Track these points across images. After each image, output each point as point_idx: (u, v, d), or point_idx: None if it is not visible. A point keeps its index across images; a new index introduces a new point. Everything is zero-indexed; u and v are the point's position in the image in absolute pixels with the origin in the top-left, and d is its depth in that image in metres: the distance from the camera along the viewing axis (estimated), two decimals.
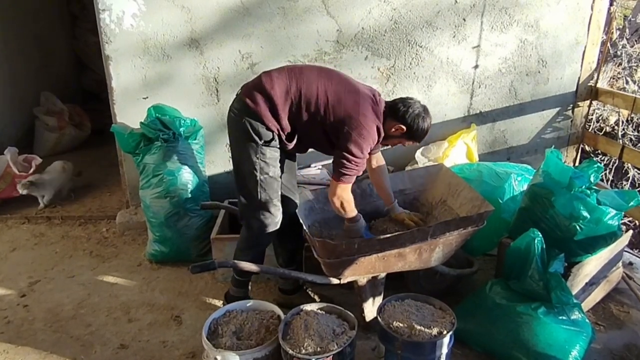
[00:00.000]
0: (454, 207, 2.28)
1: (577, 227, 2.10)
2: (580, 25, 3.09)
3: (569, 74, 3.19)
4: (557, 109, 3.28)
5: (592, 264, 2.26)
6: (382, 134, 2.07)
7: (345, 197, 2.04)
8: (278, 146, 2.07)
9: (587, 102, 3.29)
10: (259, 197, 2.09)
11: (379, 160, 2.29)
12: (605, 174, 4.05)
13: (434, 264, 2.15)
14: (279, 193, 2.14)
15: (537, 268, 2.04)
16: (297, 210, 2.21)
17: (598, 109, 4.11)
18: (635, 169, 4.05)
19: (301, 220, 2.14)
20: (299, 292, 2.43)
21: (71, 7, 5.55)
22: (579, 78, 3.22)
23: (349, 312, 1.96)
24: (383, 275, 2.18)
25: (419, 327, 1.87)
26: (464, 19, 2.99)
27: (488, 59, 3.09)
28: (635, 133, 4.12)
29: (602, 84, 3.44)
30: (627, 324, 2.33)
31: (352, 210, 2.09)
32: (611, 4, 3.26)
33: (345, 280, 2.08)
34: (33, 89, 4.69)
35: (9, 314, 2.42)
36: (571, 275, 2.17)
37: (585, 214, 2.09)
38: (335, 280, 2.08)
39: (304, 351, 1.76)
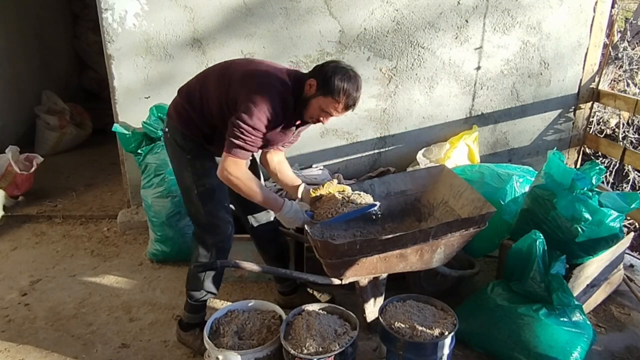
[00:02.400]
0: (456, 208, 2.28)
1: (579, 229, 2.10)
2: (582, 27, 3.10)
3: (570, 76, 3.20)
4: (559, 110, 3.28)
5: (593, 266, 2.26)
6: (291, 105, 1.85)
7: (236, 173, 1.81)
8: (207, 155, 1.96)
9: (589, 104, 3.29)
10: (202, 211, 1.97)
11: (279, 158, 2.15)
12: (606, 176, 4.05)
13: (435, 265, 2.15)
14: (225, 204, 2.03)
15: (539, 269, 2.04)
16: None
17: (599, 111, 4.12)
18: (636, 172, 4.05)
19: None
20: (298, 291, 2.42)
21: (72, 6, 5.55)
22: (581, 80, 3.22)
23: (350, 313, 1.96)
24: (384, 276, 2.18)
25: (420, 328, 1.87)
26: (467, 21, 2.99)
27: (490, 60, 3.09)
28: (636, 135, 4.12)
29: (603, 87, 3.44)
30: (628, 326, 2.33)
31: (252, 190, 1.85)
32: (613, 7, 3.26)
33: (346, 280, 2.08)
34: (34, 87, 4.70)
35: (10, 313, 2.42)
36: (572, 277, 2.17)
37: (587, 215, 2.09)
38: (336, 281, 2.07)
39: (305, 351, 1.76)
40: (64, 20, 5.53)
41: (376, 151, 3.21)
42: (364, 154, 3.21)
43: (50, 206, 3.51)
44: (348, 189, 2.11)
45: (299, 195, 2.12)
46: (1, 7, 4.32)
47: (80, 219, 3.34)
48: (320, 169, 3.06)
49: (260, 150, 2.03)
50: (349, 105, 1.83)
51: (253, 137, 1.78)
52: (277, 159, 2.16)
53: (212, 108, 1.88)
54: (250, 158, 1.98)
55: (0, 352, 2.17)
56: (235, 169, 1.81)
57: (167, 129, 2.00)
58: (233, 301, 2.36)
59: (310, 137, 3.12)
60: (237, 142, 1.77)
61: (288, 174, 2.17)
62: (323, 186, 2.11)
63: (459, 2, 2.94)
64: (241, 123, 1.75)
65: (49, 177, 3.92)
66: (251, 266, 2.03)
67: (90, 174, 4.06)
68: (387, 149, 3.21)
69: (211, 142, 1.95)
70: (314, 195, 2.10)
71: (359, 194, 2.10)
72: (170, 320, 2.36)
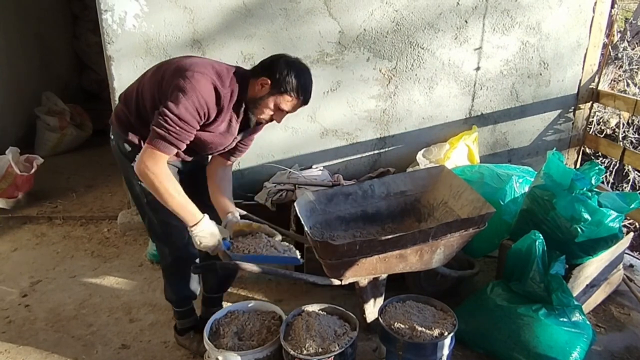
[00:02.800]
0: (455, 208, 2.28)
1: (578, 229, 2.11)
2: (582, 27, 3.10)
3: (570, 76, 3.20)
4: (559, 111, 3.28)
5: (593, 266, 2.26)
6: (229, 98, 1.70)
7: (153, 168, 1.61)
8: None
9: (589, 104, 3.30)
10: (155, 221, 1.89)
11: (224, 174, 1.97)
12: (606, 176, 4.05)
13: (435, 265, 2.15)
14: None
15: (538, 270, 2.05)
16: (298, 211, 2.20)
17: (599, 111, 4.12)
18: (636, 172, 4.05)
19: (302, 221, 2.15)
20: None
21: (72, 7, 5.55)
22: (581, 80, 3.22)
23: (350, 313, 1.96)
24: (384, 276, 2.18)
25: (420, 329, 1.87)
26: (466, 21, 2.99)
27: (490, 61, 3.09)
28: (636, 135, 4.12)
29: (603, 87, 3.44)
30: (627, 326, 2.33)
31: (167, 192, 1.63)
32: (612, 7, 3.26)
33: (346, 281, 2.08)
34: (34, 88, 4.70)
35: (10, 314, 2.43)
36: (572, 277, 2.17)
37: (586, 216, 2.09)
38: (336, 282, 2.08)
39: (305, 352, 1.77)
40: (64, 21, 5.53)
41: (376, 152, 3.21)
42: (363, 155, 3.21)
43: (50, 207, 3.51)
44: (278, 236, 1.92)
45: (223, 223, 1.90)
46: (1, 8, 4.33)
47: (81, 220, 3.35)
48: (320, 170, 3.06)
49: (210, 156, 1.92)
50: (306, 101, 1.76)
51: (178, 129, 1.60)
52: (222, 173, 1.96)
53: (147, 107, 1.74)
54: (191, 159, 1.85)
55: (0, 353, 2.17)
56: (153, 163, 1.61)
57: (111, 136, 1.89)
58: (233, 302, 2.36)
59: (310, 137, 3.12)
60: (159, 131, 1.60)
61: (225, 196, 1.94)
62: (254, 226, 1.93)
63: (458, 3, 2.95)
64: (167, 111, 1.59)
65: (49, 178, 3.92)
66: (251, 267, 2.02)
67: (91, 175, 4.06)
68: (386, 149, 3.21)
69: None
70: (239, 228, 1.90)
71: (288, 246, 1.92)
72: (170, 321, 2.36)
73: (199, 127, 1.69)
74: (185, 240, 1.86)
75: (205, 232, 1.71)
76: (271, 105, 1.74)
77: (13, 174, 3.44)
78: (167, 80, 1.68)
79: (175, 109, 1.59)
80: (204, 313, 2.19)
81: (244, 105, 1.77)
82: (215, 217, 1.86)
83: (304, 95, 1.74)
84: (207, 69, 1.67)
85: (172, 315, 2.20)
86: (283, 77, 1.68)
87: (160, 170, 1.63)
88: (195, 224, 1.70)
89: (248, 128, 1.88)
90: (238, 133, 1.86)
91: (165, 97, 1.65)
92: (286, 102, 1.73)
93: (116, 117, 1.86)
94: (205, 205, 1.86)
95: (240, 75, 1.75)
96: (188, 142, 1.69)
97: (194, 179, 1.94)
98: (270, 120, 1.81)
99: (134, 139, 1.80)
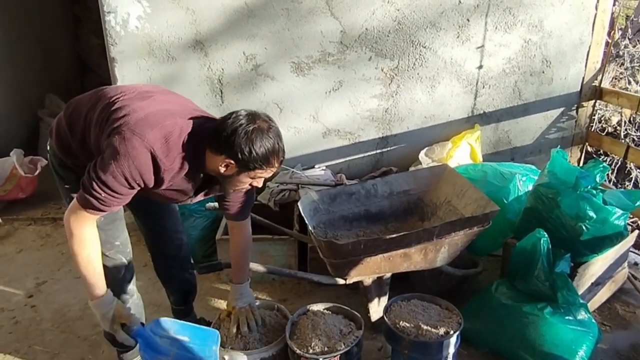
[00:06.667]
0: (459, 207, 2.29)
1: (583, 227, 2.10)
2: (584, 25, 3.09)
3: (573, 74, 3.19)
4: (562, 109, 3.28)
5: (598, 264, 2.26)
6: (177, 170, 1.51)
7: (75, 228, 1.46)
8: None
9: (592, 102, 3.29)
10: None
11: (242, 231, 1.85)
12: (609, 174, 4.04)
13: (439, 264, 2.15)
14: (116, 234, 1.75)
15: (543, 268, 2.04)
16: (301, 211, 2.20)
17: (601, 109, 4.11)
18: (639, 169, 4.04)
19: (306, 221, 2.15)
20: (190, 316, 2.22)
21: (75, 9, 5.57)
22: (583, 78, 3.21)
23: (355, 312, 1.96)
24: (388, 275, 2.18)
25: (425, 327, 1.87)
26: (468, 20, 2.99)
27: (492, 59, 3.09)
28: (638, 133, 4.11)
29: (605, 84, 3.44)
30: (633, 324, 2.33)
31: (78, 256, 1.47)
32: (614, 4, 3.25)
33: (351, 280, 2.08)
34: (37, 91, 4.71)
35: (16, 315, 2.44)
36: (577, 276, 2.17)
37: (591, 214, 2.08)
38: (341, 281, 2.08)
39: (311, 351, 1.77)
40: (66, 23, 5.55)
41: (378, 151, 3.21)
42: (366, 154, 3.21)
43: (54, 208, 3.52)
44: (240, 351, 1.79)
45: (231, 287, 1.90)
46: (3, 11, 4.34)
47: None
48: (322, 169, 3.06)
49: None
50: (281, 161, 1.55)
51: (104, 195, 1.44)
52: (236, 231, 1.85)
53: (91, 142, 1.56)
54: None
55: (9, 353, 2.18)
56: (77, 222, 1.47)
57: (48, 146, 1.73)
58: None
59: (312, 137, 3.13)
60: (86, 194, 1.45)
61: (235, 261, 1.87)
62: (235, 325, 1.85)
63: (460, 1, 2.94)
64: (94, 175, 1.43)
65: (53, 179, 3.90)
66: (256, 266, 2.03)
67: None
68: (389, 148, 3.21)
69: None
70: (228, 311, 1.89)
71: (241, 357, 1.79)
72: None
73: (133, 193, 1.51)
74: (125, 258, 1.77)
75: (97, 312, 1.54)
76: (245, 180, 1.55)
77: (17, 175, 3.45)
78: (109, 126, 1.49)
79: (103, 175, 1.42)
80: None
81: (202, 175, 1.59)
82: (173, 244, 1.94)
83: (277, 160, 1.51)
84: (151, 132, 1.43)
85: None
86: (247, 155, 1.44)
87: (80, 232, 1.47)
88: (97, 298, 1.53)
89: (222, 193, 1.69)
90: (208, 195, 1.70)
91: (102, 147, 1.48)
92: (260, 174, 1.53)
93: (57, 130, 1.66)
94: (158, 232, 1.90)
95: (195, 142, 1.50)
96: (122, 204, 1.53)
97: (145, 202, 1.71)
98: (252, 187, 1.62)
99: (73, 162, 1.65)
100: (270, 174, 1.56)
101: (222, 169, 1.50)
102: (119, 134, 1.43)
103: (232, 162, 1.47)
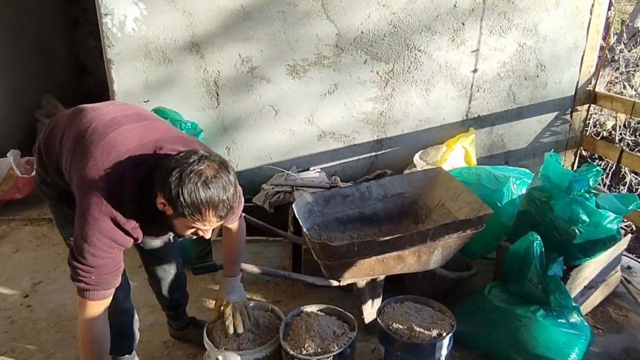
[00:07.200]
0: (453, 210, 2.30)
1: (576, 231, 2.11)
2: (579, 29, 3.12)
3: (567, 78, 3.21)
4: (556, 113, 3.29)
5: (591, 267, 2.27)
6: (143, 223, 1.44)
7: (84, 319, 1.43)
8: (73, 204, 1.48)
9: (586, 106, 3.31)
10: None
11: (235, 225, 1.78)
12: (603, 178, 4.06)
13: (433, 266, 2.16)
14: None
15: (536, 271, 2.05)
16: (296, 212, 2.21)
17: (596, 113, 4.13)
18: (633, 173, 4.07)
19: (301, 223, 2.16)
20: (188, 328, 2.23)
21: (72, 10, 5.58)
22: (578, 82, 3.23)
23: (349, 314, 1.97)
24: (382, 277, 2.19)
25: (418, 329, 1.88)
26: (463, 23, 3.01)
27: (487, 63, 3.11)
28: (633, 137, 4.14)
29: (600, 89, 3.46)
30: (625, 328, 2.34)
31: (83, 343, 1.47)
32: (609, 9, 3.27)
33: (344, 282, 2.09)
34: (34, 91, 4.72)
35: (12, 314, 2.44)
36: (570, 279, 2.18)
37: (584, 217, 2.10)
38: (334, 283, 2.09)
39: (304, 352, 1.77)
40: (64, 25, 5.56)
41: (373, 154, 3.23)
42: (360, 157, 3.23)
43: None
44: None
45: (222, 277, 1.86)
46: (2, 12, 4.35)
47: None
48: (317, 172, 3.07)
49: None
50: (223, 216, 1.35)
51: (95, 278, 1.39)
52: (227, 234, 1.82)
53: (64, 166, 1.50)
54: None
55: (4, 352, 2.19)
56: (85, 312, 1.43)
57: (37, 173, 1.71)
58: None
59: (307, 140, 3.14)
60: (80, 285, 1.40)
61: (225, 254, 1.84)
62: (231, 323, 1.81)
63: (455, 5, 2.96)
64: (76, 264, 1.39)
65: None
66: (250, 268, 2.04)
67: None
68: (384, 151, 3.22)
69: (70, 204, 1.50)
70: (221, 309, 1.85)
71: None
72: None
73: (120, 255, 1.46)
74: (119, 296, 1.66)
75: None
76: (182, 226, 1.40)
77: (14, 176, 3.45)
78: (75, 164, 1.43)
79: (83, 259, 1.37)
80: (171, 328, 2.24)
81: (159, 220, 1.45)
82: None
83: (216, 211, 1.32)
84: (106, 195, 1.35)
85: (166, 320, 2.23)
86: (174, 198, 1.29)
87: (90, 324, 1.43)
88: None
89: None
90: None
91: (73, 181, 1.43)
92: (196, 223, 1.35)
93: (38, 144, 1.61)
94: (151, 253, 1.94)
95: (146, 188, 1.40)
96: (118, 272, 1.46)
97: None
98: (199, 237, 1.46)
99: (53, 181, 1.60)
100: (210, 226, 1.38)
101: (161, 207, 1.37)
102: (85, 197, 1.36)
103: (165, 201, 1.33)
